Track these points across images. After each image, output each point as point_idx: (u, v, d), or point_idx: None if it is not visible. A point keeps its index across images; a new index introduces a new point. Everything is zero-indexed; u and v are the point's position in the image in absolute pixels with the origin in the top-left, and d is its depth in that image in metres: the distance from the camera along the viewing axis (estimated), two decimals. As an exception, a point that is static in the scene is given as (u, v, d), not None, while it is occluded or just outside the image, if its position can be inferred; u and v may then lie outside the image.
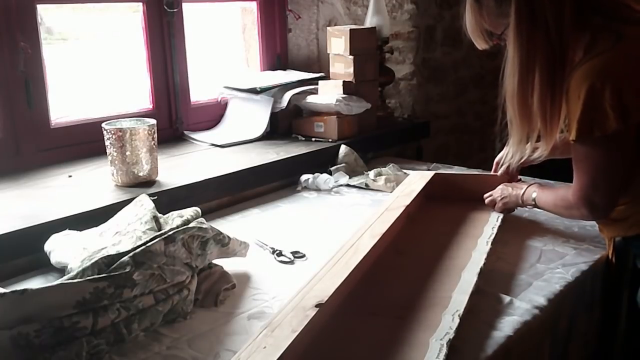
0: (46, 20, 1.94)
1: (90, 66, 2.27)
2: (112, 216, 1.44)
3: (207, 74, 2.37)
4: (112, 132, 1.63)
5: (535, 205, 1.52)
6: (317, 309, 1.06)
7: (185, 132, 2.19)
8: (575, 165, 1.30)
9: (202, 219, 1.36)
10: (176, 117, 2.16)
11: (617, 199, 1.31)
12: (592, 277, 1.43)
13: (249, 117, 2.25)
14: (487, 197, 1.67)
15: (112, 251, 1.19)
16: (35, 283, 1.35)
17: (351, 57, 2.23)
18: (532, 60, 1.24)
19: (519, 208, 1.75)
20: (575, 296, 1.36)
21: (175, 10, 2.08)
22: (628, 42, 1.20)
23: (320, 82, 2.27)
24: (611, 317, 1.49)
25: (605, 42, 1.20)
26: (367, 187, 1.98)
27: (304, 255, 1.49)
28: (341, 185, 1.98)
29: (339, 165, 2.07)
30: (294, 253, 1.50)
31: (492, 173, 1.72)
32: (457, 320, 1.12)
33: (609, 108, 1.17)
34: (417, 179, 1.77)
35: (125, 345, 1.13)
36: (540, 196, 1.49)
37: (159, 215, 1.37)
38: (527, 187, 1.55)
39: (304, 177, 1.99)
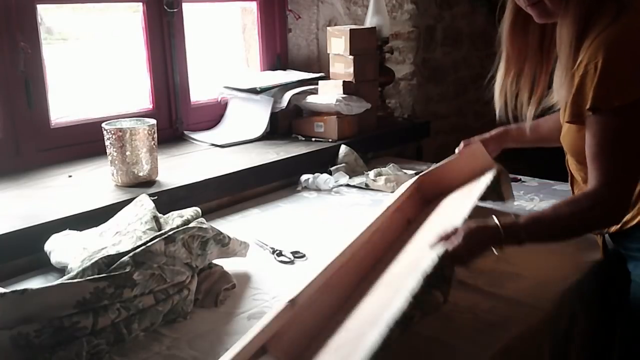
0: (46, 20, 1.94)
1: (90, 66, 2.27)
2: (112, 216, 1.44)
3: (207, 74, 2.37)
4: (112, 132, 1.63)
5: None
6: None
7: (185, 132, 2.19)
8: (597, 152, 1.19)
9: (202, 219, 1.36)
10: (176, 117, 2.16)
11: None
12: (592, 277, 1.42)
13: (249, 117, 2.24)
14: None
15: (112, 251, 1.20)
16: (35, 283, 1.35)
17: (351, 57, 2.23)
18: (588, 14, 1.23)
19: (517, 206, 1.75)
20: (575, 296, 1.36)
21: (175, 10, 2.08)
22: (630, 15, 1.20)
23: (320, 82, 2.27)
24: (611, 317, 1.49)
25: (608, 15, 1.20)
26: (367, 187, 1.98)
27: (304, 255, 1.49)
28: (341, 185, 1.98)
29: (339, 165, 2.07)
30: (294, 253, 1.50)
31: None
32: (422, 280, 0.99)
33: (629, 75, 1.15)
34: (403, 190, 1.61)
35: (125, 345, 1.13)
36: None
37: (159, 215, 1.37)
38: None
39: (304, 177, 1.99)
